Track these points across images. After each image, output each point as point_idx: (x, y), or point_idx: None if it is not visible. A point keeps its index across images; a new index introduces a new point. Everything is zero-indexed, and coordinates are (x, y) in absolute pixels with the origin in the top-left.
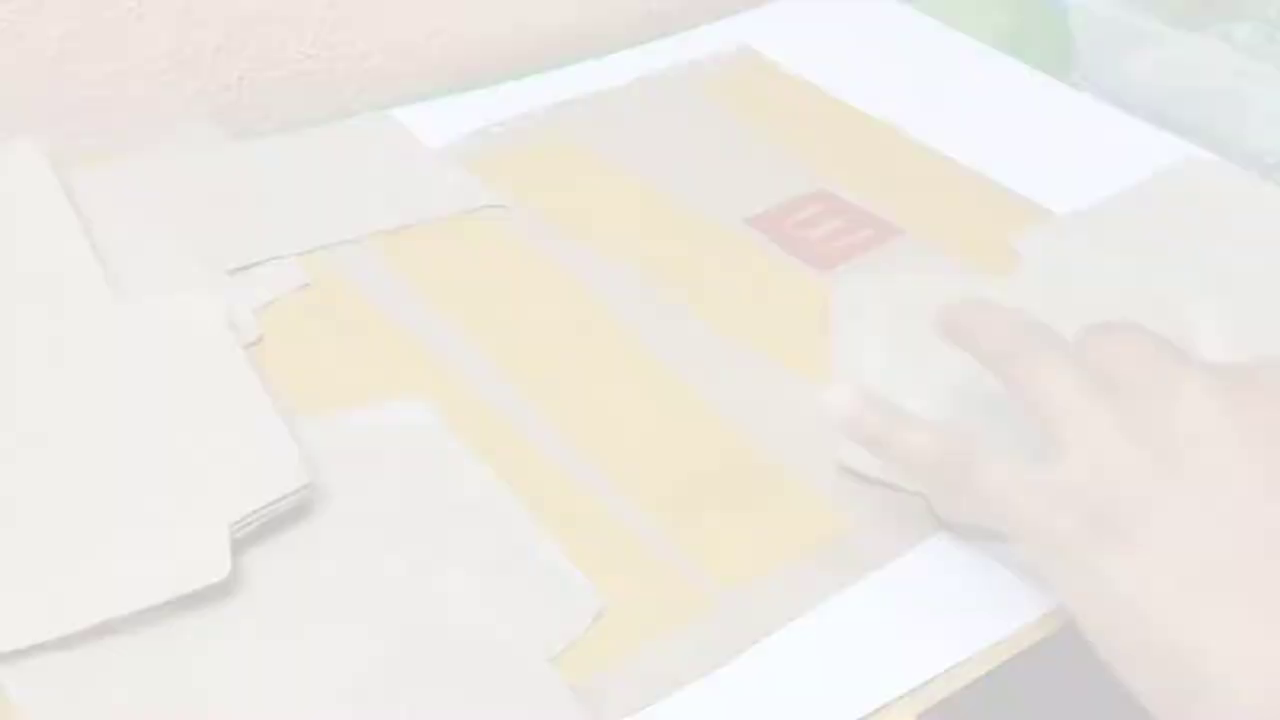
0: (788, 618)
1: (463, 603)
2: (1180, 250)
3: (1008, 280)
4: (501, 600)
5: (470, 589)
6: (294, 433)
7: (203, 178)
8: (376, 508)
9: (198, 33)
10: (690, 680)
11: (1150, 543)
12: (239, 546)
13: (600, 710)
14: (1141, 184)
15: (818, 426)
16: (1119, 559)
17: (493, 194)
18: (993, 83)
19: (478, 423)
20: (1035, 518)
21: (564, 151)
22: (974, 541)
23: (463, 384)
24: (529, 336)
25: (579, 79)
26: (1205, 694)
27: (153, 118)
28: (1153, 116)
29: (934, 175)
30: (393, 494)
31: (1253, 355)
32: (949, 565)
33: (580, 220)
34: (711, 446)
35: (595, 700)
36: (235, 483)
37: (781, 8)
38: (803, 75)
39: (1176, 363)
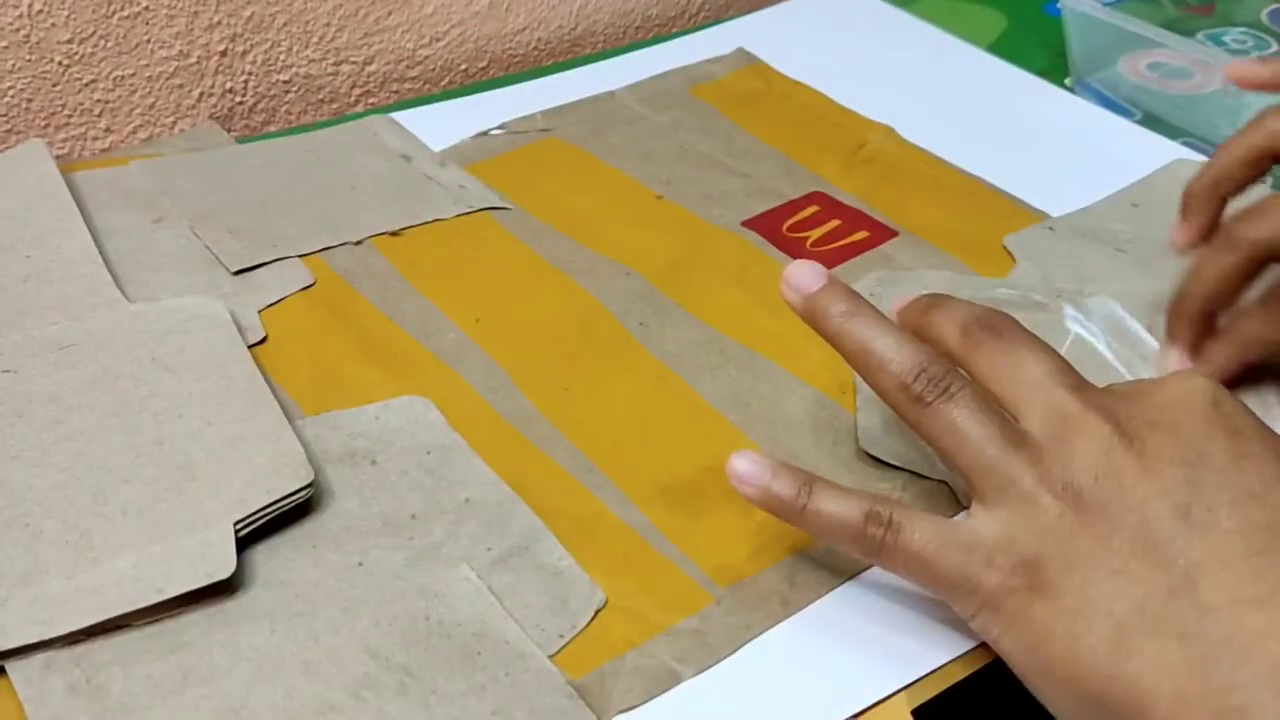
0: (785, 613)
1: (465, 598)
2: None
3: (1002, 279)
4: (503, 596)
5: (472, 584)
6: (299, 431)
7: (209, 180)
8: (380, 505)
9: (204, 38)
10: (689, 675)
11: (1077, 591)
12: (245, 543)
13: (601, 704)
14: (1134, 185)
15: (813, 425)
16: (1049, 611)
17: (493, 195)
18: (987, 86)
19: (479, 420)
20: (963, 577)
21: (563, 154)
22: None
23: (464, 383)
24: (530, 335)
25: (577, 82)
26: None
27: (160, 120)
28: (1145, 120)
29: (929, 177)
30: (396, 491)
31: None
32: None
33: (579, 221)
34: (709, 444)
35: (596, 695)
36: (241, 481)
37: (777, 12)
38: (798, 79)
39: (1075, 402)
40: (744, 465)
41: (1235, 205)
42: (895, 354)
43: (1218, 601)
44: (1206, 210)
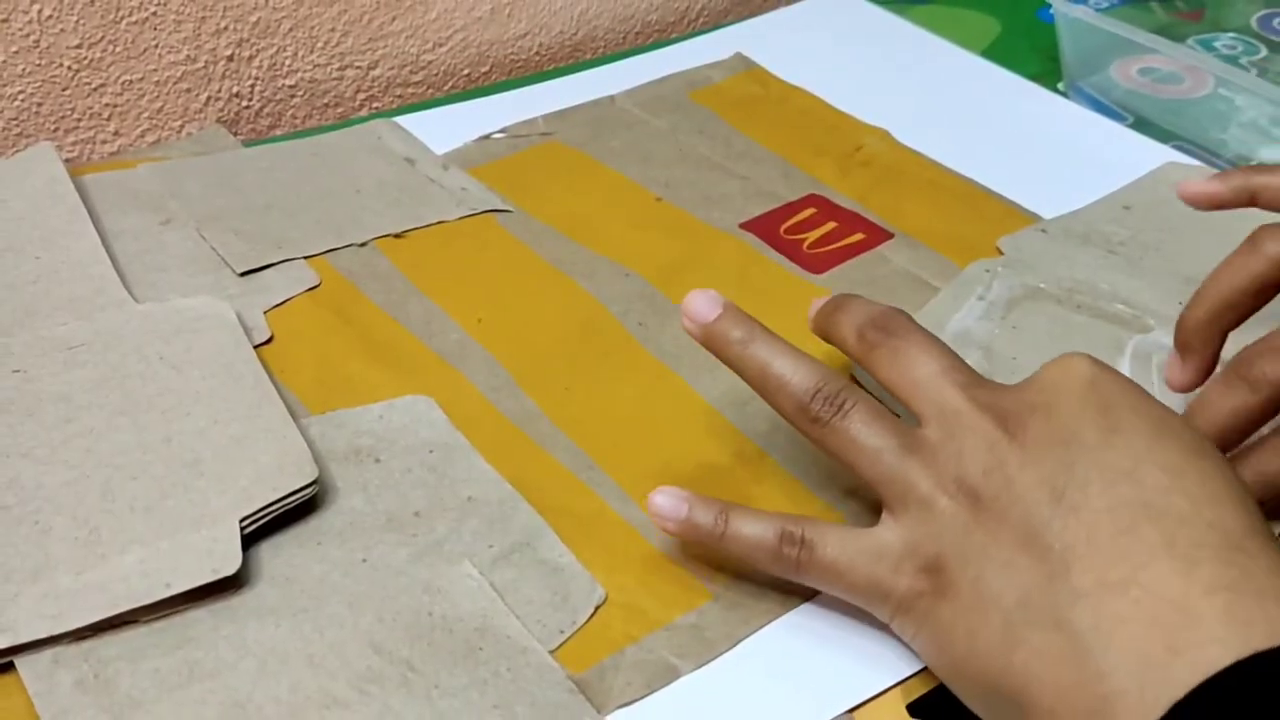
0: (782, 609)
1: (467, 594)
2: (1161, 249)
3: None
4: (505, 592)
5: (475, 581)
6: (304, 430)
7: (216, 182)
8: (384, 502)
9: (211, 43)
10: (688, 670)
11: (973, 588)
12: (251, 540)
13: (601, 699)
14: (1125, 188)
15: None
16: (951, 610)
17: (495, 198)
18: (981, 90)
19: (482, 419)
20: (874, 585)
21: (564, 157)
22: None
23: (467, 382)
24: (531, 335)
25: (578, 87)
26: None
27: (167, 124)
28: (1137, 124)
29: (924, 180)
30: (400, 489)
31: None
32: None
33: (580, 223)
34: (709, 443)
35: (596, 689)
36: (247, 478)
37: (774, 18)
38: (796, 83)
39: (963, 399)
40: (661, 500)
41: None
42: (792, 376)
43: (1087, 586)
44: (1208, 347)
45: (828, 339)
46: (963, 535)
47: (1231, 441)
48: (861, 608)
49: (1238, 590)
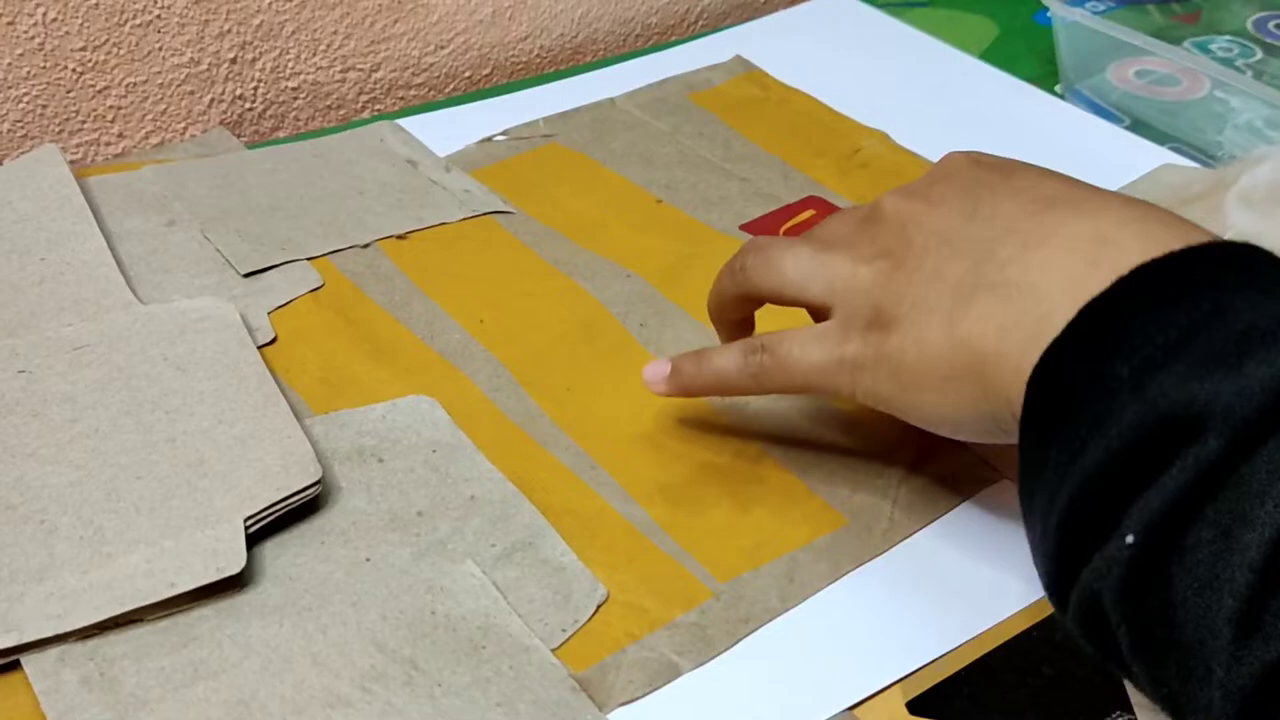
0: (783, 608)
1: (470, 593)
2: None
3: None
4: (507, 590)
5: (477, 580)
6: (307, 430)
7: (219, 184)
8: (387, 502)
9: (215, 45)
10: (689, 668)
11: (911, 312)
12: (255, 539)
13: (602, 697)
14: (1122, 189)
15: (809, 422)
16: (897, 337)
17: (497, 200)
18: (979, 93)
19: (484, 419)
20: (830, 360)
21: (565, 159)
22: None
23: (469, 382)
24: (533, 336)
25: (579, 89)
26: (993, 377)
27: (171, 126)
28: (1133, 125)
29: None
30: (403, 488)
31: None
32: (938, 558)
33: (581, 225)
34: (709, 442)
35: (598, 687)
36: (251, 478)
37: (773, 21)
38: (795, 85)
39: (859, 208)
40: (649, 370)
41: None
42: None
43: (1012, 254)
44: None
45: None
46: (889, 282)
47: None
48: (828, 393)
49: (1146, 220)
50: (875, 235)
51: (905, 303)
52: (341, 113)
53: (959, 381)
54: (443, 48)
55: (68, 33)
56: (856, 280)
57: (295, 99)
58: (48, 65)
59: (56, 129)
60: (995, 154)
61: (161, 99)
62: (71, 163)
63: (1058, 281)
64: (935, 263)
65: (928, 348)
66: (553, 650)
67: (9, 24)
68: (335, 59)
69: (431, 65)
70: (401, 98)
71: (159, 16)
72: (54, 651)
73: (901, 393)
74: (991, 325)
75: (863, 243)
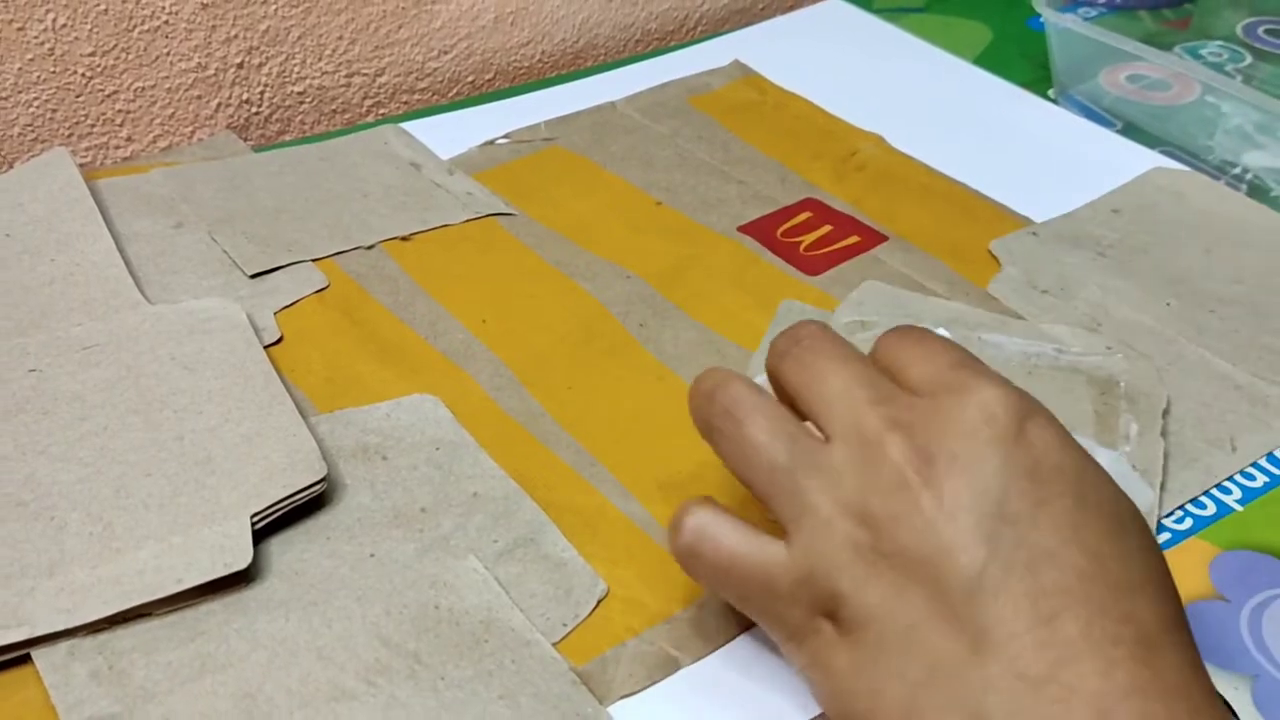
0: None
1: (473, 588)
2: (1149, 251)
3: (987, 285)
4: (509, 586)
5: (480, 575)
6: (313, 428)
7: (226, 187)
8: (391, 499)
9: (222, 51)
10: (688, 662)
11: (874, 645)
12: (261, 535)
13: (603, 690)
14: (1114, 191)
15: None
16: (849, 662)
17: (499, 202)
18: (973, 97)
19: (486, 418)
20: (768, 603)
21: (566, 162)
22: None
23: (472, 381)
24: (534, 336)
25: (580, 93)
26: None
27: (179, 130)
28: (1125, 129)
29: (918, 184)
30: (406, 486)
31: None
32: None
33: (582, 226)
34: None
35: (598, 681)
36: (258, 475)
37: (771, 26)
38: (792, 90)
39: (875, 421)
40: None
41: None
42: (696, 385)
43: (1001, 678)
44: None
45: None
46: (864, 579)
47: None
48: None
49: (1148, 695)
50: (869, 484)
51: (872, 626)
52: (346, 116)
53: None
54: (446, 53)
55: (77, 38)
56: (831, 537)
57: (301, 103)
58: (57, 70)
59: (66, 133)
60: (1036, 415)
61: (169, 103)
62: (81, 166)
63: None
64: (919, 612)
65: (875, 709)
66: (554, 644)
67: (19, 30)
68: (340, 64)
69: (435, 70)
70: (405, 102)
71: (167, 22)
72: (64, 645)
73: (830, 710)
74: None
75: (854, 485)
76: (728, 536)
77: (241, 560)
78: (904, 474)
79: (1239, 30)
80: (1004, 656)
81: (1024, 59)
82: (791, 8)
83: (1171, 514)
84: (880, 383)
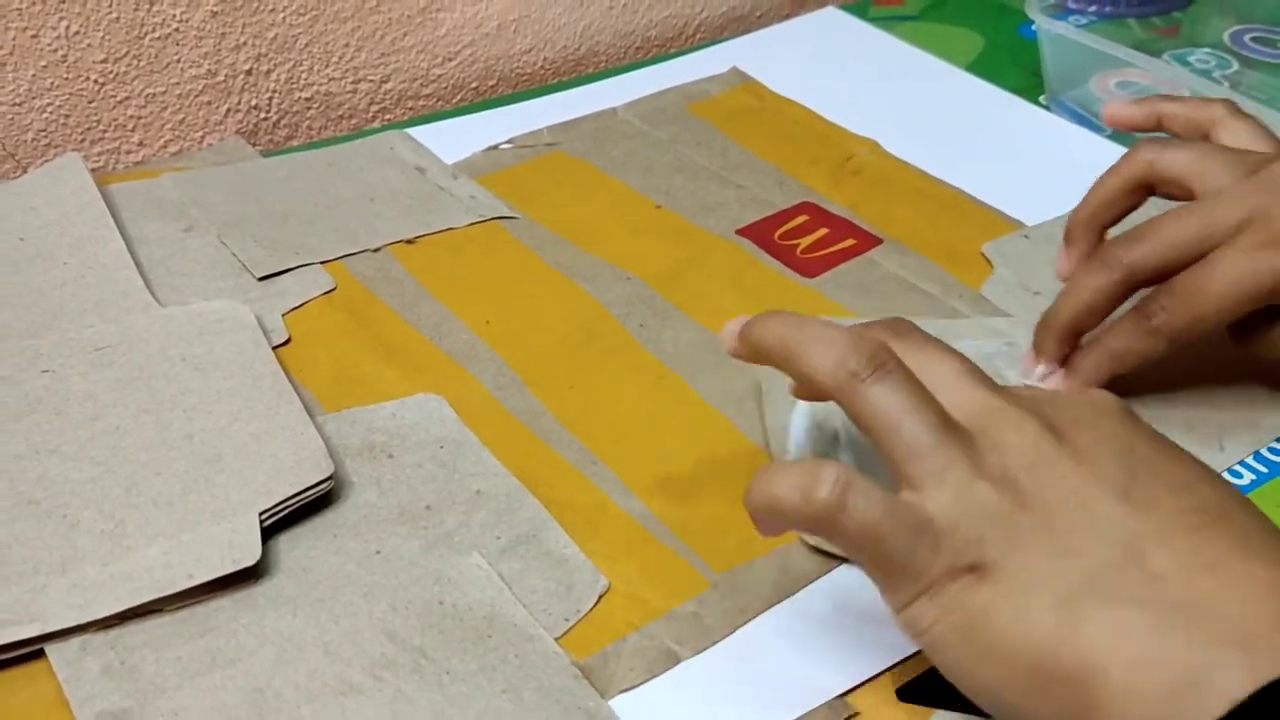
0: (778, 598)
1: (476, 583)
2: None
3: (980, 288)
4: (512, 581)
5: (483, 571)
6: (320, 427)
7: (235, 191)
8: (396, 496)
9: (231, 57)
10: (687, 656)
11: (1021, 570)
12: (269, 532)
13: (604, 684)
14: None
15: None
16: (992, 593)
17: (502, 205)
18: (967, 103)
19: (489, 417)
20: (909, 561)
21: (568, 166)
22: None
23: (475, 381)
24: (537, 336)
25: (581, 100)
26: (1105, 705)
27: (189, 135)
28: (1115, 135)
29: (912, 188)
30: (411, 483)
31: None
32: None
33: (583, 229)
34: (707, 439)
35: (599, 675)
36: (266, 473)
37: (769, 34)
38: (789, 96)
39: (993, 396)
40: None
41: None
42: (824, 334)
43: (1166, 569)
44: (1087, 239)
45: (781, 362)
46: (1008, 522)
47: (1092, 320)
48: (876, 582)
49: None
50: (1002, 446)
51: (1014, 559)
52: (353, 122)
53: (1048, 683)
54: (450, 60)
55: (89, 45)
56: (972, 493)
57: (308, 109)
58: (70, 77)
59: (79, 138)
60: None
61: (180, 109)
62: (93, 170)
63: (1228, 633)
64: (1066, 531)
65: (1025, 626)
66: (556, 639)
67: (33, 37)
68: (347, 71)
69: (440, 77)
70: (411, 108)
71: (178, 30)
72: (76, 641)
73: (965, 657)
74: (1126, 650)
75: (987, 447)
76: (873, 493)
77: (250, 557)
78: (1038, 437)
79: (1226, 38)
80: (1165, 556)
81: (1016, 66)
82: (788, 16)
83: None
84: (981, 372)
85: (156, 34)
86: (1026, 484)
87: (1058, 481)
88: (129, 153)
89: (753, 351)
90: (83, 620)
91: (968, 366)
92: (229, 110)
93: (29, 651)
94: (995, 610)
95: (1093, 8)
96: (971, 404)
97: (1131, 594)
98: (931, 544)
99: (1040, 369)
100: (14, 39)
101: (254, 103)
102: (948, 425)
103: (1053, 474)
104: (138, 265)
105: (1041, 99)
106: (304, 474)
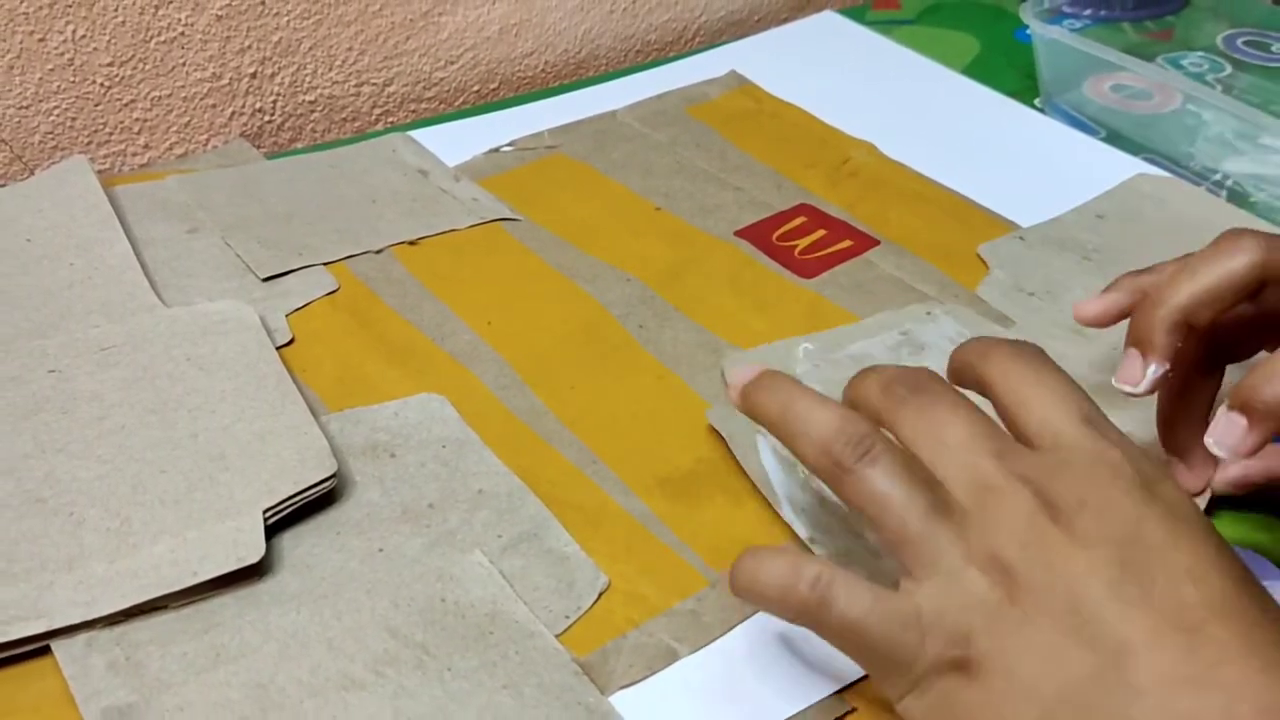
0: None
1: (478, 581)
2: (1133, 256)
3: (976, 289)
4: (514, 579)
5: (485, 569)
6: (323, 426)
7: (240, 193)
8: (399, 495)
9: (235, 61)
10: (687, 653)
11: (1006, 673)
12: (273, 530)
13: (604, 680)
14: (1099, 197)
15: None
16: (977, 695)
17: (504, 207)
18: (962, 106)
19: (491, 416)
20: (898, 653)
21: (569, 169)
22: None
23: (477, 381)
24: (538, 337)
25: (582, 103)
26: None
27: (194, 138)
28: (1109, 137)
29: (909, 190)
30: (414, 482)
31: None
32: None
33: (584, 231)
34: (706, 439)
35: (599, 671)
36: (270, 472)
37: (767, 38)
38: (787, 99)
39: (997, 470)
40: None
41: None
42: (812, 415)
43: (1148, 683)
44: (1133, 297)
45: (850, 399)
46: (995, 613)
47: (1213, 310)
48: (869, 674)
49: None
50: (994, 528)
51: (1004, 656)
52: (356, 125)
53: None
54: (452, 63)
55: (96, 49)
56: (960, 582)
57: (312, 112)
58: (77, 80)
59: (85, 140)
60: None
61: (185, 112)
62: (99, 173)
63: None
64: (1052, 633)
65: None
66: (557, 636)
67: (40, 40)
68: (350, 74)
69: (442, 80)
70: (413, 111)
71: (183, 33)
72: (82, 637)
73: None
74: None
75: (982, 529)
76: (857, 589)
77: (254, 554)
78: (1032, 518)
79: (1219, 41)
80: (1149, 665)
81: (1011, 69)
82: (786, 20)
83: None
84: (998, 434)
85: (162, 38)
86: (1019, 568)
87: (1049, 569)
88: (134, 155)
89: (751, 416)
90: (89, 617)
91: (979, 428)
92: (233, 113)
93: (35, 648)
94: (981, 716)
95: (1087, 12)
96: (968, 476)
97: (1109, 712)
98: (918, 637)
99: (1152, 370)
100: (21, 43)
101: (258, 106)
102: (937, 509)
103: (1045, 560)
104: (143, 266)
105: (1036, 102)
106: (307, 473)
